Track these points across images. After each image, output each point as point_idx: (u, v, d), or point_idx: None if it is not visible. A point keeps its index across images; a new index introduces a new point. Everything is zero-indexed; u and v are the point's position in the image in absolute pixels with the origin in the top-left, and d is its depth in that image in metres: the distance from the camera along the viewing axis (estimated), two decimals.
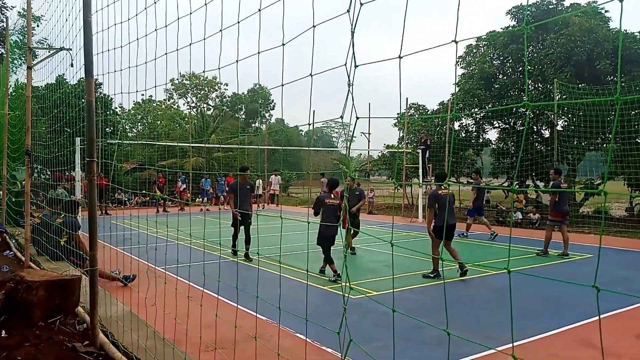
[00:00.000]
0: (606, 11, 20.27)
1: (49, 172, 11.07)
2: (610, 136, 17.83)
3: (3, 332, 4.65)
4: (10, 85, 12.43)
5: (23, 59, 17.75)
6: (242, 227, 10.16)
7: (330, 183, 8.91)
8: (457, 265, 8.42)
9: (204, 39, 3.75)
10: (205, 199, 25.24)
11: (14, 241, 10.19)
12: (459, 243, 12.97)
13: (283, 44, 2.97)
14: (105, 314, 5.27)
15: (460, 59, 23.79)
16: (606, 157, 19.11)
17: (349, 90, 2.37)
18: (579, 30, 18.75)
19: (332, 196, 8.54)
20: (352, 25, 2.31)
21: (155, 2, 4.06)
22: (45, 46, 8.88)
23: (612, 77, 19.35)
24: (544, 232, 11.10)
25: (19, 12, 24.94)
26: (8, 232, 11.30)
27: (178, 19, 3.90)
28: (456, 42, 1.89)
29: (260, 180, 26.49)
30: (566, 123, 20.49)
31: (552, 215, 10.81)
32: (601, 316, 6.21)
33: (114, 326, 5.06)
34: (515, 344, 5.15)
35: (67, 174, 13.52)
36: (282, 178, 37.16)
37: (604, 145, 19.04)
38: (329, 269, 8.52)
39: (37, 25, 15.82)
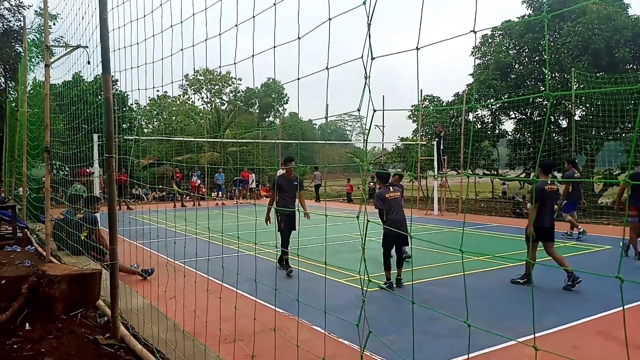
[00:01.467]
0: None
1: (67, 169, 11.23)
2: (630, 125, 17.52)
3: (27, 325, 4.75)
4: (29, 83, 12.62)
5: (40, 57, 18.00)
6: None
7: (381, 176, 8.00)
8: (476, 258, 8.33)
9: (219, 34, 3.76)
10: (220, 193, 25.40)
11: (35, 236, 10.38)
12: (478, 235, 12.88)
13: (299, 38, 2.97)
14: (125, 307, 5.36)
15: (475, 49, 23.53)
16: (625, 147, 18.79)
17: (365, 82, 2.36)
18: (597, 17, 18.41)
19: (392, 189, 7.58)
20: (368, 18, 2.30)
21: None
22: (62, 44, 8.99)
23: (631, 65, 19.00)
24: (561, 223, 10.90)
25: (35, 11, 25.34)
26: (29, 227, 11.52)
27: (193, 14, 3.91)
28: (475, 32, 1.88)
29: (254, 175, 26.14)
30: (584, 113, 20.18)
31: None
32: (623, 307, 6.14)
33: (134, 319, 5.14)
34: (535, 335, 5.12)
35: (88, 169, 13.70)
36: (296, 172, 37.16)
37: (623, 135, 18.72)
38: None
39: (54, 24, 16.02)
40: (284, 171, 8.78)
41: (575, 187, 11.80)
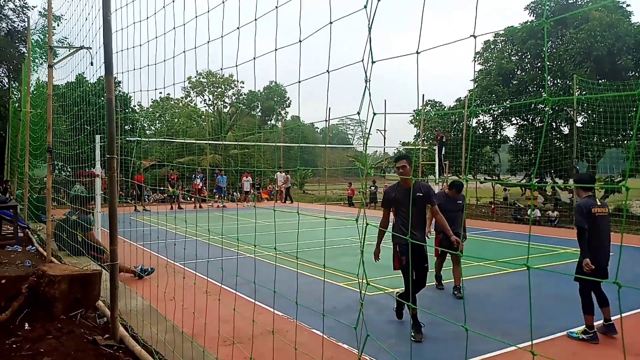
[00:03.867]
0: (627, 5, 19.92)
1: (69, 169, 11.25)
2: (632, 133, 17.51)
3: (26, 324, 4.75)
4: (32, 84, 12.66)
5: (44, 57, 18.03)
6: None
7: (582, 179, 5.79)
8: (476, 263, 8.29)
9: (222, 37, 3.78)
10: (221, 195, 25.40)
11: (36, 236, 10.39)
12: (478, 241, 12.86)
13: (300, 41, 2.98)
14: (125, 308, 5.36)
15: (477, 55, 23.58)
16: (627, 154, 18.81)
17: (366, 86, 2.37)
18: (600, 25, 18.44)
19: (599, 202, 5.42)
20: (369, 21, 2.31)
21: (173, 1, 4.11)
22: (65, 45, 9.03)
23: (633, 73, 19.03)
24: (562, 230, 10.89)
25: (39, 11, 25.39)
26: (30, 227, 11.53)
27: (196, 17, 3.94)
28: (475, 37, 1.89)
29: (250, 178, 25.82)
30: (586, 119, 20.20)
31: None
32: (622, 314, 6.13)
33: (134, 320, 5.14)
34: (534, 341, 5.11)
35: (88, 170, 13.75)
36: (298, 175, 37.18)
37: (625, 142, 18.73)
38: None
39: (58, 25, 16.06)
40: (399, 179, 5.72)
41: None
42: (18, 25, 26.34)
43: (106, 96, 4.53)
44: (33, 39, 17.27)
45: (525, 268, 1.94)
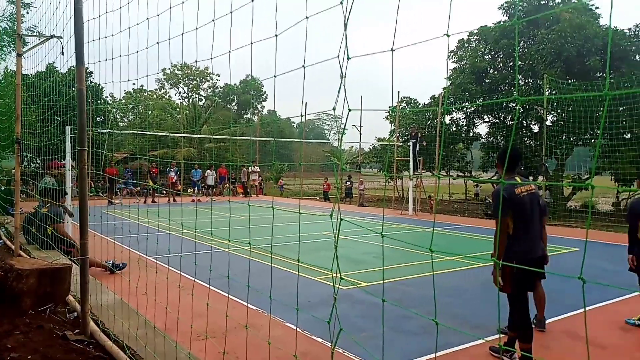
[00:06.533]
0: (596, 7, 20.48)
1: (39, 161, 10.98)
2: (599, 132, 18.03)
3: None
4: (0, 73, 12.28)
5: (12, 46, 17.52)
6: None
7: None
8: (448, 258, 8.43)
9: (197, 29, 3.74)
10: (196, 189, 25.13)
11: (3, 230, 10.12)
12: (450, 236, 13.05)
13: (276, 35, 2.98)
14: (96, 303, 5.28)
15: (452, 53, 23.88)
16: (594, 152, 19.35)
17: (341, 82, 2.39)
18: (570, 26, 18.88)
19: (519, 179, 4.53)
20: (345, 17, 2.33)
21: None
22: (35, 33, 8.79)
23: (601, 73, 19.56)
24: None
25: None
26: None
27: (170, 7, 3.89)
28: (448, 36, 1.92)
29: (214, 172, 25.16)
30: (555, 118, 20.69)
31: None
32: (587, 308, 6.33)
33: (105, 315, 5.07)
34: (501, 335, 5.24)
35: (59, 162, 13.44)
36: (274, 170, 37.06)
37: (592, 140, 19.27)
38: None
39: (27, 12, 15.64)
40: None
41: None
42: None
43: (77, 87, 4.43)
44: (1, 26, 16.75)
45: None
